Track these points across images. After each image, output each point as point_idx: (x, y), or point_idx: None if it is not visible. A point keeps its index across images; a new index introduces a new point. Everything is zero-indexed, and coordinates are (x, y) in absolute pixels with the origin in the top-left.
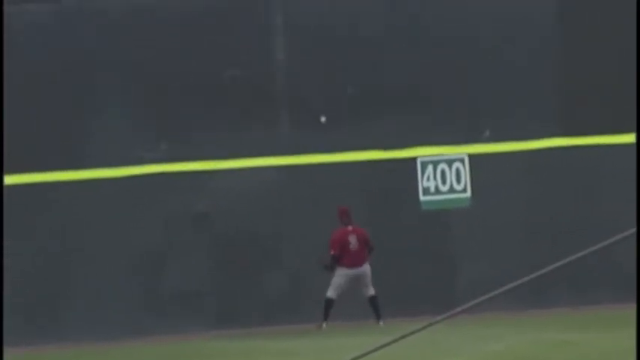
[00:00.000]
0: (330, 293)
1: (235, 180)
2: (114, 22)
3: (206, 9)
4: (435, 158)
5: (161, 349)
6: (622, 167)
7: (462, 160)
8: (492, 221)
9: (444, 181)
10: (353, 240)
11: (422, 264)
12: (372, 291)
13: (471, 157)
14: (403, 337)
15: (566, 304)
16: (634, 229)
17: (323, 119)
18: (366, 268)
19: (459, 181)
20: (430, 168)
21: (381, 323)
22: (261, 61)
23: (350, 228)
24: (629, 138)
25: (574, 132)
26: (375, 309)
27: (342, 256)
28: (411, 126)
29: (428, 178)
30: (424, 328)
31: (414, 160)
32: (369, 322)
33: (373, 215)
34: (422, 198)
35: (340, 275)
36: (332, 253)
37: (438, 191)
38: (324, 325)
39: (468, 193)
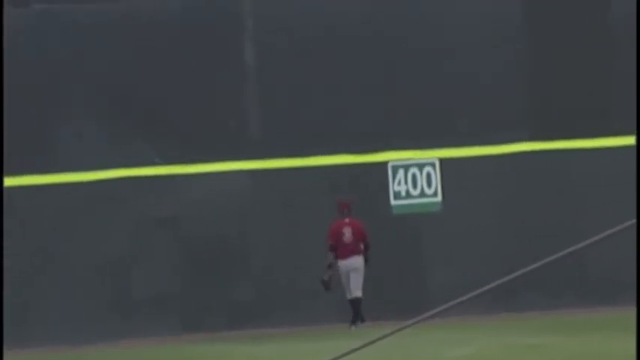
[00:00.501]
0: (348, 296)
1: (203, 184)
2: (82, 27)
3: (177, 14)
4: (406, 162)
5: (128, 353)
6: (590, 171)
7: (432, 165)
8: (463, 225)
9: (414, 186)
10: (347, 232)
11: (393, 268)
12: (358, 292)
13: (442, 161)
14: (373, 341)
15: (537, 308)
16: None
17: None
18: (357, 261)
19: (429, 185)
20: (401, 172)
21: (353, 328)
22: (231, 66)
23: (347, 220)
24: (597, 142)
25: (542, 136)
26: (355, 311)
27: (336, 248)
28: (382, 130)
29: (399, 183)
30: (394, 332)
31: (385, 164)
32: (343, 326)
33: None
34: (393, 202)
35: (341, 269)
36: (329, 242)
37: (408, 195)
38: (352, 327)
39: (439, 198)
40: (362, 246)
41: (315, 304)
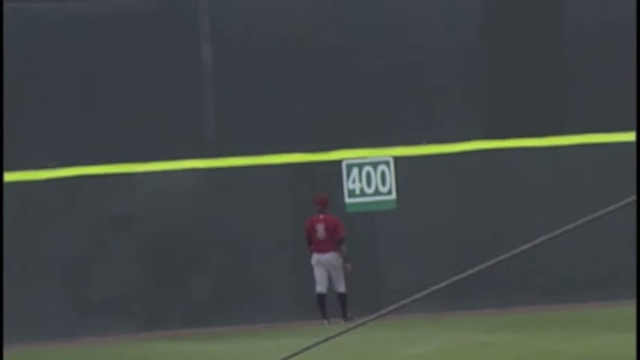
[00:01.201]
0: (317, 288)
1: (158, 183)
2: (46, 27)
3: (135, 14)
4: (361, 161)
5: (87, 351)
6: (544, 169)
7: (387, 163)
8: (418, 223)
9: (369, 184)
10: (320, 229)
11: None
12: (340, 288)
13: (397, 159)
14: (327, 339)
15: (491, 306)
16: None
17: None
18: (331, 257)
19: (384, 183)
20: (355, 170)
21: (343, 322)
22: (187, 65)
23: (321, 217)
24: (548, 141)
25: (496, 135)
26: (342, 307)
27: (311, 243)
28: (337, 129)
29: (353, 181)
30: (349, 330)
31: (339, 162)
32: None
33: (298, 218)
34: (347, 200)
35: (313, 266)
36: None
37: (363, 193)
38: (325, 322)
39: (394, 196)
40: (334, 242)
41: (272, 301)
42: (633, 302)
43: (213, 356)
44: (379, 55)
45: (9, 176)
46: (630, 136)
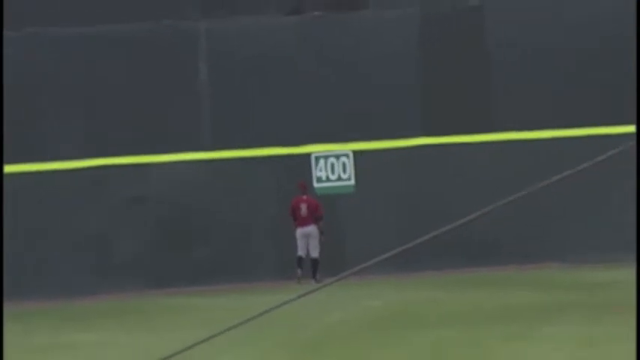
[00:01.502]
0: (298, 252)
1: (167, 171)
2: (64, 47)
3: (144, 37)
4: (326, 154)
5: (109, 304)
6: (474, 161)
7: (347, 155)
8: (372, 204)
9: (333, 172)
10: (303, 207)
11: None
12: (314, 254)
13: (355, 153)
14: (300, 296)
15: (435, 269)
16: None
17: None
18: (312, 229)
19: (345, 172)
20: (322, 162)
21: (314, 282)
22: (188, 81)
23: (304, 197)
24: (479, 137)
25: (435, 133)
26: (313, 269)
27: (295, 219)
28: (308, 129)
29: (320, 170)
30: (318, 288)
31: (309, 155)
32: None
33: (280, 198)
34: (315, 185)
35: (297, 236)
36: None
37: (328, 180)
38: (298, 272)
39: (352, 182)
40: (314, 218)
41: (261, 265)
42: (545, 265)
43: (212, 308)
44: (343, 70)
45: (46, 166)
46: (546, 134)
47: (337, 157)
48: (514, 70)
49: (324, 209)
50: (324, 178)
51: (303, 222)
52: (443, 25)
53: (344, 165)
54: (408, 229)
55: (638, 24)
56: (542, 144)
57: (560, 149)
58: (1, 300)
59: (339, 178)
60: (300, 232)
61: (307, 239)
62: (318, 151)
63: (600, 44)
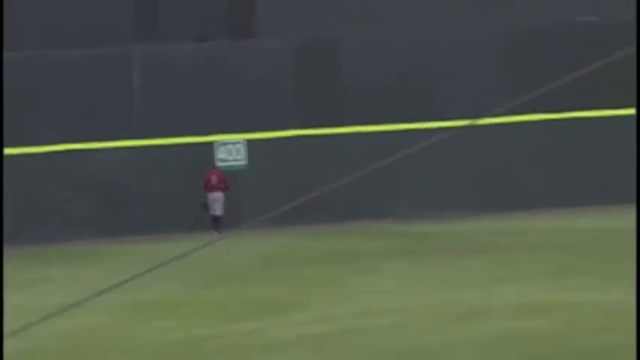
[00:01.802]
0: (211, 212)
1: (103, 156)
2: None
3: (90, 59)
4: (226, 141)
5: (69, 250)
6: (335, 148)
7: (241, 143)
8: (259, 177)
9: (230, 154)
10: (214, 179)
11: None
12: (218, 212)
13: (248, 141)
14: (206, 244)
15: (314, 223)
16: (632, 49)
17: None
18: (219, 195)
19: (239, 154)
20: (222, 147)
21: (216, 234)
22: (123, 88)
23: (215, 171)
24: (346, 129)
25: (307, 125)
26: (218, 225)
27: (207, 187)
28: (211, 122)
29: (221, 152)
30: (222, 238)
31: (212, 143)
32: (205, 234)
33: (195, 173)
34: (218, 164)
35: (210, 200)
36: (203, 184)
37: (227, 160)
38: (215, 233)
39: (245, 162)
40: (222, 187)
41: (180, 222)
42: (390, 220)
43: (141, 252)
44: (235, 84)
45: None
46: (388, 127)
47: (234, 144)
48: (362, 78)
49: (230, 182)
50: (224, 159)
51: (213, 189)
52: (306, 55)
53: (238, 150)
54: (287, 195)
55: (638, 23)
56: (384, 136)
57: (395, 141)
58: (1, 296)
59: (235, 159)
60: (210, 196)
61: (216, 202)
62: (220, 140)
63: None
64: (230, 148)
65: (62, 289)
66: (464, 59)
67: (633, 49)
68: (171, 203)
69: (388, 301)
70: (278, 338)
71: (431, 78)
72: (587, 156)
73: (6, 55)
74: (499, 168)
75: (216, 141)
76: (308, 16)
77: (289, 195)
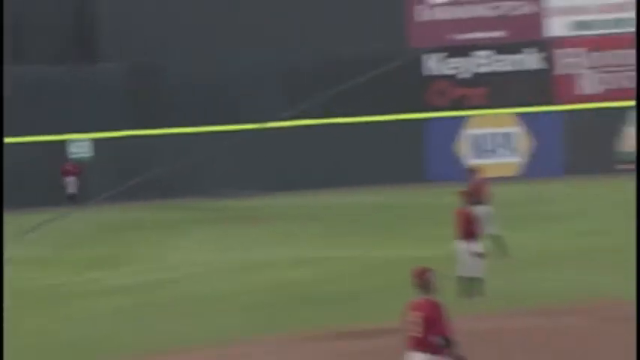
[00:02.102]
0: (67, 191)
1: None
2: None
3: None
4: (76, 139)
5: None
6: (167, 146)
7: (87, 140)
8: (104, 165)
9: (80, 149)
10: (69, 168)
11: None
12: (73, 190)
13: (94, 139)
14: (63, 215)
15: (159, 199)
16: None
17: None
18: (74, 180)
19: (87, 149)
20: (73, 144)
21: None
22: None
23: (70, 163)
24: (168, 130)
25: (138, 127)
26: (74, 202)
27: (64, 174)
28: (65, 123)
29: (73, 148)
30: (76, 211)
31: (65, 141)
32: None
33: (56, 164)
34: (72, 156)
35: (65, 181)
36: None
37: (78, 153)
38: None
39: (91, 154)
40: (75, 172)
41: (45, 199)
42: (207, 197)
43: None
44: (87, 88)
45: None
46: (199, 129)
47: (82, 141)
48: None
49: (81, 169)
50: (75, 152)
51: (68, 174)
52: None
53: (86, 145)
54: (124, 178)
55: (638, 23)
56: (196, 135)
57: (205, 138)
58: (1, 296)
59: (85, 152)
60: (65, 180)
61: (69, 184)
62: (73, 139)
63: None
64: (80, 144)
65: None
66: (256, 79)
67: (377, 71)
68: (41, 185)
69: (194, 257)
70: (111, 285)
71: (233, 93)
72: (342, 148)
73: None
74: (287, 157)
75: (68, 140)
76: (138, 42)
77: (126, 178)
